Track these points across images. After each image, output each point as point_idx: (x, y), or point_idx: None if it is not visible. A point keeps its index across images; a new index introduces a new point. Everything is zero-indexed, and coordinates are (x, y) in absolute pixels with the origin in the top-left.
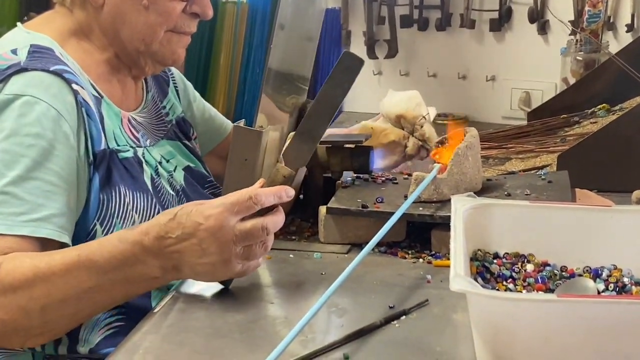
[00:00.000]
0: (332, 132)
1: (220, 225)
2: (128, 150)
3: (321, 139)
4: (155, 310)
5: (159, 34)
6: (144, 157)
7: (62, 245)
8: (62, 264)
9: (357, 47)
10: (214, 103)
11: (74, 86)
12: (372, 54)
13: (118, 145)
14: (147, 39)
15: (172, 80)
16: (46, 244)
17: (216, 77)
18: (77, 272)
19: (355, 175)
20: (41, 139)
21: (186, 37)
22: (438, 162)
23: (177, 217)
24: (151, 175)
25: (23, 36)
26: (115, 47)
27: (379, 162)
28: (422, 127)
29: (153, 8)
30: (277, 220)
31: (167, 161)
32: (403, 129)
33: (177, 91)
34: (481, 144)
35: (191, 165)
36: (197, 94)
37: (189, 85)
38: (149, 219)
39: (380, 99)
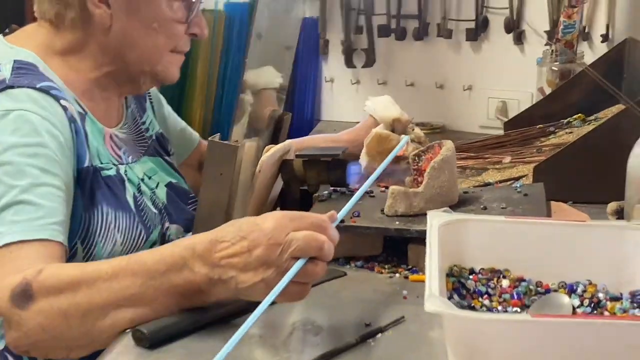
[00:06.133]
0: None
1: (274, 226)
2: (111, 168)
3: (298, 153)
4: (127, 330)
5: (165, 56)
6: (126, 175)
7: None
8: (110, 267)
9: (335, 56)
10: (191, 114)
11: (63, 102)
12: (350, 63)
13: (101, 163)
14: (153, 60)
15: (148, 95)
16: (63, 251)
17: (193, 87)
18: (123, 277)
19: (332, 188)
20: (43, 148)
21: (182, 56)
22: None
23: (237, 222)
24: (134, 193)
25: (5, 51)
26: (115, 66)
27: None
28: (413, 129)
29: (162, 30)
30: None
31: (150, 178)
32: (394, 132)
33: (152, 107)
34: (458, 154)
35: (173, 181)
36: (169, 107)
37: (163, 99)
38: (131, 238)
39: (358, 108)
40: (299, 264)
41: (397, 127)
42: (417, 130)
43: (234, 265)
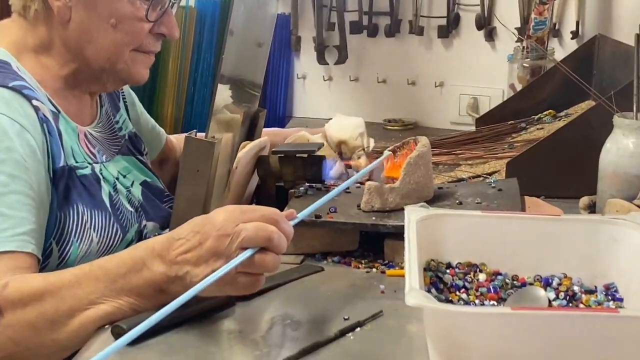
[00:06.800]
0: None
1: (225, 217)
2: (86, 167)
3: (274, 149)
4: (107, 326)
5: (125, 54)
6: (101, 174)
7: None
8: (73, 274)
9: (307, 53)
10: (163, 111)
11: (34, 102)
12: (322, 60)
13: (76, 162)
14: (112, 58)
15: (122, 94)
16: (32, 260)
17: (164, 84)
18: (86, 283)
19: (308, 184)
20: (13, 152)
21: (151, 56)
22: (389, 175)
23: (195, 219)
24: (109, 192)
25: None
26: (78, 63)
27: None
28: (359, 158)
29: (121, 27)
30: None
31: (124, 176)
32: (341, 154)
33: (126, 106)
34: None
35: (148, 179)
36: (141, 106)
37: (136, 98)
38: (107, 237)
39: (331, 105)
40: (246, 253)
41: (343, 149)
42: (362, 160)
43: (188, 260)
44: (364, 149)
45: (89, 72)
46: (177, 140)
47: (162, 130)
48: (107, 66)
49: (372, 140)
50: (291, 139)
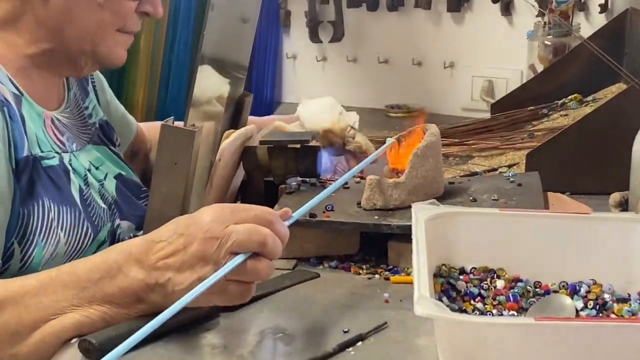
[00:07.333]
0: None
1: (212, 218)
2: (53, 157)
3: (262, 139)
4: (73, 341)
5: (109, 35)
6: (71, 165)
7: None
8: (37, 280)
9: (298, 30)
10: (133, 97)
11: None
12: (315, 38)
13: (42, 152)
14: (96, 39)
15: (91, 77)
16: None
17: (135, 66)
18: (52, 290)
19: (301, 179)
20: None
21: (132, 37)
22: (393, 167)
23: (177, 219)
24: (79, 186)
25: None
26: (54, 44)
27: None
28: (354, 138)
29: (108, 6)
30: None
31: (97, 168)
32: (332, 144)
33: (95, 90)
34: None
35: (123, 173)
36: (111, 91)
37: (105, 81)
38: (76, 237)
39: (325, 89)
40: (236, 259)
41: (332, 139)
42: (359, 138)
43: (170, 266)
44: (352, 127)
45: (66, 54)
46: (149, 129)
47: (132, 118)
48: (88, 48)
49: (354, 114)
50: (265, 130)
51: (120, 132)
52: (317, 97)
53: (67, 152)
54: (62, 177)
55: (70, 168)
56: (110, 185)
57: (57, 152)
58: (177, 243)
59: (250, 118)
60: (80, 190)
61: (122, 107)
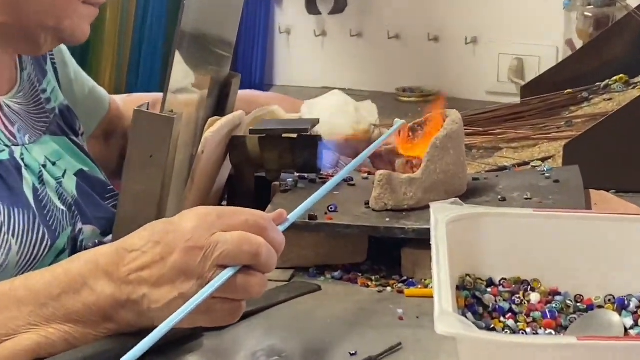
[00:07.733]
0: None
1: (196, 224)
2: (2, 151)
3: (252, 127)
4: None
5: (76, 7)
6: (23, 160)
7: None
8: None
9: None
10: (98, 75)
11: None
12: (312, 9)
13: None
14: (60, 13)
15: (50, 55)
16: None
17: (100, 42)
18: (5, 307)
19: (299, 175)
20: None
21: (97, 9)
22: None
23: (153, 224)
24: (33, 185)
25: None
26: (7, 17)
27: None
28: (373, 133)
29: None
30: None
31: (54, 164)
32: (358, 153)
33: (55, 68)
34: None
35: (85, 169)
36: (76, 65)
37: (67, 53)
38: (30, 245)
39: (325, 69)
40: (225, 274)
41: (358, 147)
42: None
43: (146, 280)
44: (374, 125)
45: (22, 29)
46: (125, 103)
47: (104, 92)
48: (50, 23)
49: (368, 104)
50: (254, 114)
51: (89, 110)
52: (314, 80)
53: (17, 145)
54: (12, 174)
55: (22, 164)
56: (70, 183)
57: (6, 145)
58: (153, 253)
59: (248, 93)
60: (35, 190)
61: (90, 81)
